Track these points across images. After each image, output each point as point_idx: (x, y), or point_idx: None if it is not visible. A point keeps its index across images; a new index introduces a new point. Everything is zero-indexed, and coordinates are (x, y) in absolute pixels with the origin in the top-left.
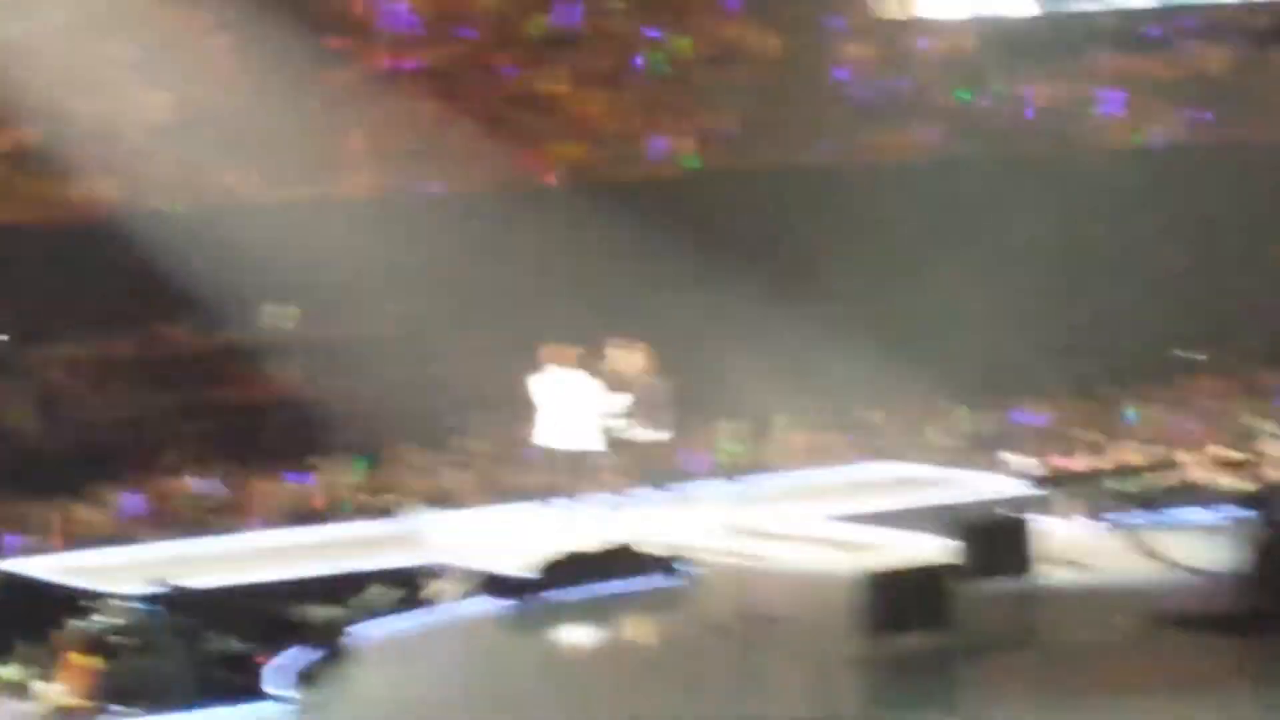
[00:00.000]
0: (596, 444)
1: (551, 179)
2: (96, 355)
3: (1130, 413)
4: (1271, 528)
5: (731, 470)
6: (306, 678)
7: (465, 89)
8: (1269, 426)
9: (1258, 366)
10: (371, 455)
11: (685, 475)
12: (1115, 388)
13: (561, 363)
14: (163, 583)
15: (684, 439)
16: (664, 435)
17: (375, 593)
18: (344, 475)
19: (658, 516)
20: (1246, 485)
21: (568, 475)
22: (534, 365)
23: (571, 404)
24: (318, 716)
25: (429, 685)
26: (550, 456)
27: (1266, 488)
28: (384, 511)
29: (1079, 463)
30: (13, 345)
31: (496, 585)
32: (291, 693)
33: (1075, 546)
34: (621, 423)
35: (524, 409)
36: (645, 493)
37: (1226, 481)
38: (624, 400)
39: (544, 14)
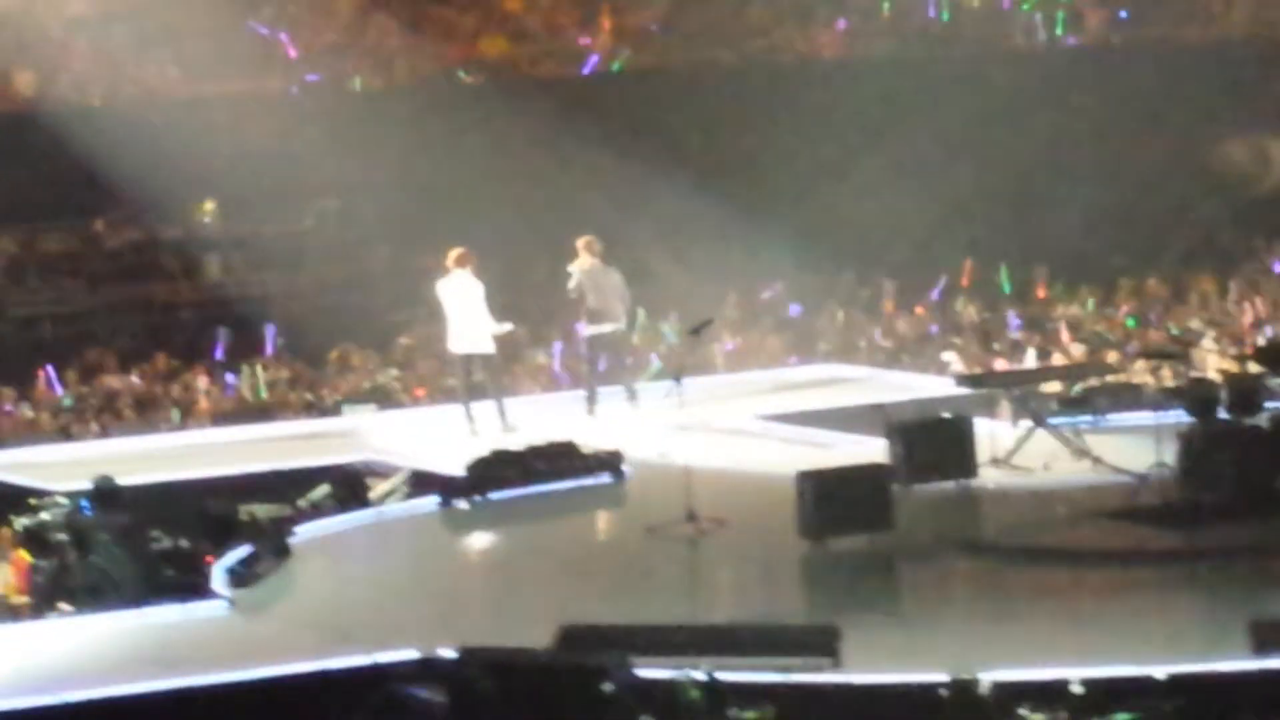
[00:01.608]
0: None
1: (473, 75)
2: (16, 249)
3: (1061, 313)
4: (1201, 425)
5: (669, 371)
6: (248, 576)
7: None
8: (1196, 326)
9: (1184, 267)
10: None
11: (628, 374)
12: (1047, 288)
13: (465, 266)
14: (103, 480)
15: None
16: (620, 325)
17: (315, 491)
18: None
19: (600, 415)
20: (1176, 384)
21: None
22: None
23: (473, 307)
24: (259, 614)
25: (369, 584)
26: (464, 359)
27: (1195, 386)
28: (321, 410)
29: (1013, 363)
30: None
31: (437, 484)
32: (234, 591)
33: (1009, 447)
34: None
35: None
36: (589, 390)
37: (1157, 381)
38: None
39: None
